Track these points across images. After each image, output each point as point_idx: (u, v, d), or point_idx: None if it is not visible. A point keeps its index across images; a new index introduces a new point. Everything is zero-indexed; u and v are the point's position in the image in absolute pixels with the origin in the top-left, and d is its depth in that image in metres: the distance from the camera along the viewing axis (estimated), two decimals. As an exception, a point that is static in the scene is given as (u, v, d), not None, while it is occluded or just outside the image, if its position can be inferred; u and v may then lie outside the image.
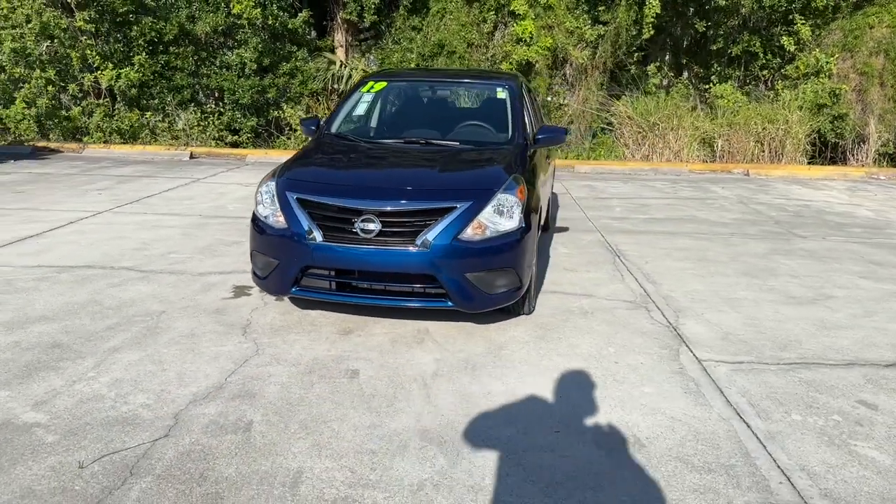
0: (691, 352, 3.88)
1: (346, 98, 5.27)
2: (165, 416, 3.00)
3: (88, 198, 7.87)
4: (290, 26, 14.21)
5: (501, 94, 5.15)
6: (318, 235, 3.77)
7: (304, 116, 12.96)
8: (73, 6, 13.13)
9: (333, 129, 4.96)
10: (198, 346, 3.77)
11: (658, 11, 12.77)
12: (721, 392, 3.38)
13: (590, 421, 3.06)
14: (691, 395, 3.34)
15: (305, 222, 3.80)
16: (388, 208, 3.74)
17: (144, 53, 13.35)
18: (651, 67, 14.17)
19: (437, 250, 3.68)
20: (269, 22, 13.86)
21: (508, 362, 3.66)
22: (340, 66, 15.33)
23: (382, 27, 15.58)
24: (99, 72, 12.87)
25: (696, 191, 9.70)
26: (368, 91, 5.28)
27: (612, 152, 13.12)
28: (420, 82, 5.70)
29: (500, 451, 2.79)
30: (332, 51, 15.58)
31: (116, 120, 13.05)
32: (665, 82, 14.30)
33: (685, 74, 14.72)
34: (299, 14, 14.52)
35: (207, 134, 13.49)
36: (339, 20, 15.64)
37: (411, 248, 3.68)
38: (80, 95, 13.45)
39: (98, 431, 2.87)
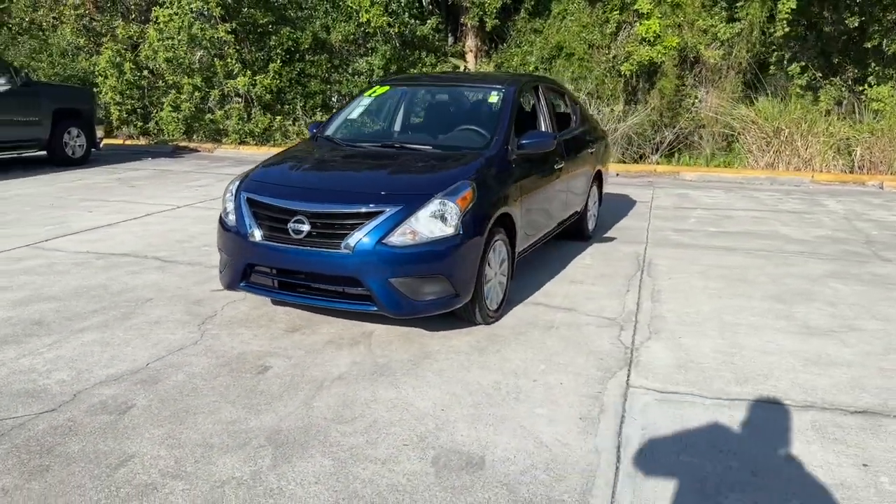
0: (628, 377, 3.57)
1: (349, 102, 5.41)
2: (67, 393, 3.29)
3: (182, 193, 8.66)
4: (418, 33, 14.58)
5: (492, 98, 5.01)
6: (257, 234, 3.93)
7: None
8: (217, 18, 14.40)
9: (328, 131, 5.11)
10: (152, 332, 4.07)
11: (793, 6, 11.66)
12: (620, 422, 3.10)
13: (448, 437, 2.94)
14: (584, 422, 3.09)
15: (249, 221, 3.98)
16: (317, 210, 3.81)
17: (279, 61, 14.32)
18: (794, 68, 12.98)
19: (360, 254, 3.69)
20: (397, 30, 14.35)
21: (423, 371, 3.59)
22: (464, 70, 15.56)
23: (506, 31, 15.60)
24: (237, 79, 14.02)
25: (803, 203, 8.77)
26: (370, 96, 5.37)
27: (737, 159, 12.17)
28: (419, 87, 5.70)
29: (335, 460, 2.77)
30: (464, 56, 15.85)
31: (251, 123, 14.14)
32: (812, 84, 12.99)
33: (837, 75, 13.25)
34: (428, 21, 14.90)
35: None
36: (469, 25, 15.84)
37: (337, 251, 3.73)
38: (222, 100, 14.74)
39: (4, 400, 3.21)
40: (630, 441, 2.95)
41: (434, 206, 3.80)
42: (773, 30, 12.38)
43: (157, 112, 14.63)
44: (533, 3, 14.81)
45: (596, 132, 6.65)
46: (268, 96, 14.45)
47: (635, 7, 12.81)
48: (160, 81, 14.96)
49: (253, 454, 2.79)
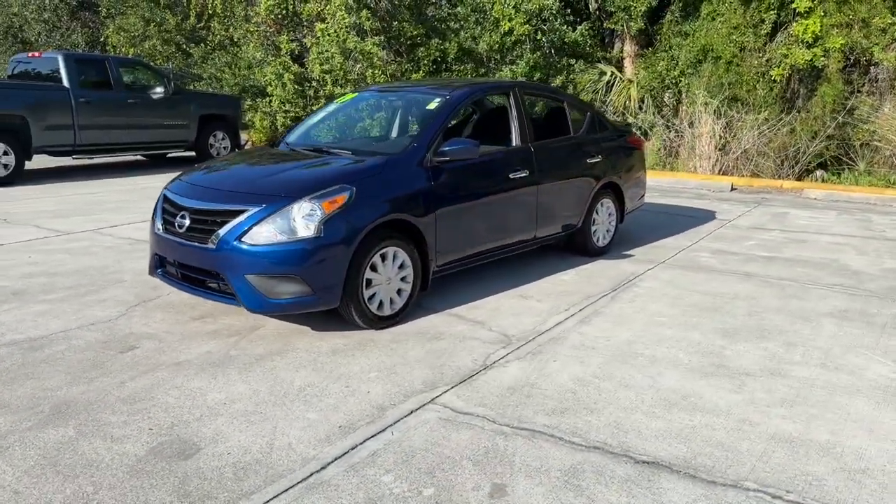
0: (443, 393, 3.43)
1: (318, 109, 5.64)
2: (-37, 351, 3.90)
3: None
4: (567, 39, 14.42)
5: (431, 105, 4.95)
6: (160, 227, 4.33)
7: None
8: (369, 32, 15.36)
9: (289, 136, 5.38)
10: (88, 309, 4.62)
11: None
12: (371, 435, 3.02)
13: (196, 428, 3.07)
14: (340, 430, 3.05)
15: (158, 215, 4.39)
16: (196, 206, 4.11)
17: (423, 72, 14.93)
18: None
19: (221, 249, 3.93)
20: (538, 37, 14.35)
21: (257, 367, 3.72)
22: (611, 75, 15.13)
23: (653, 34, 14.90)
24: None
25: (918, 231, 7.44)
26: (339, 102, 5.55)
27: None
28: (380, 94, 5.74)
29: (77, 432, 3.02)
30: (620, 61, 15.44)
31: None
32: None
33: None
34: (578, 27, 14.71)
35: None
36: (626, 29, 15.37)
37: (205, 245, 4.00)
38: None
39: (-85, 351, 3.90)
40: (359, 453, 2.87)
41: (298, 207, 3.92)
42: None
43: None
44: (681, 4, 13.98)
45: (612, 141, 6.23)
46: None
47: (793, 5, 11.58)
48: (321, 91, 16.26)
49: (27, 416, 3.14)
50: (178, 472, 2.72)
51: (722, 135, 11.83)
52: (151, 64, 15.05)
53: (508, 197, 5.06)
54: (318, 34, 15.30)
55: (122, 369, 3.67)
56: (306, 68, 16.29)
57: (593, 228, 6.01)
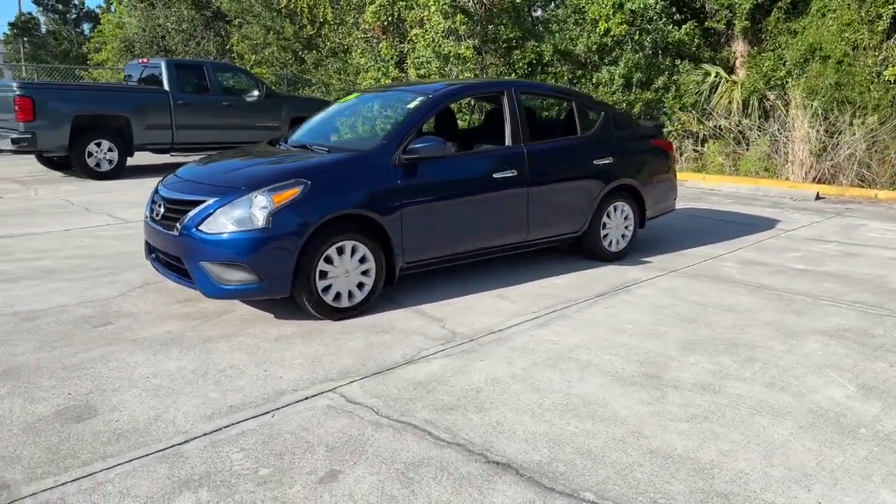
0: (349, 384, 3.51)
1: (322, 110, 5.85)
2: (-29, 318, 4.45)
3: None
4: (670, 39, 13.96)
5: (412, 104, 4.99)
6: (147, 215, 4.71)
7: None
8: (464, 35, 15.55)
9: (291, 135, 5.63)
10: (98, 287, 5.08)
11: None
12: (238, 415, 3.16)
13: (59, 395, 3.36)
14: (204, 405, 3.23)
15: (148, 204, 4.78)
16: (169, 197, 4.44)
17: (517, 74, 14.93)
18: None
19: (182, 237, 4.23)
20: (637, 37, 14.00)
21: (179, 346, 3.97)
22: (716, 76, 14.47)
23: (763, 32, 14.06)
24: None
25: None
26: (341, 102, 5.73)
27: None
28: (376, 94, 5.82)
29: (9, 392, 3.39)
30: (730, 62, 14.74)
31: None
32: None
33: None
34: (683, 26, 14.21)
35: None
36: (738, 28, 14.66)
37: (171, 233, 4.32)
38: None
39: (-65, 316, 4.49)
40: (229, 431, 3.02)
41: (249, 199, 4.14)
42: None
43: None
44: (789, 1, 13.11)
45: (631, 142, 6.00)
46: (499, 107, 15.14)
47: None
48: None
49: (-24, 376, 3.56)
50: (62, 433, 2.99)
51: (820, 140, 10.95)
52: (247, 69, 16.02)
53: (492, 197, 5.03)
54: (413, 39, 15.69)
55: (85, 341, 4.03)
56: (406, 74, 16.73)
57: (604, 233, 5.82)
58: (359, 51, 18.48)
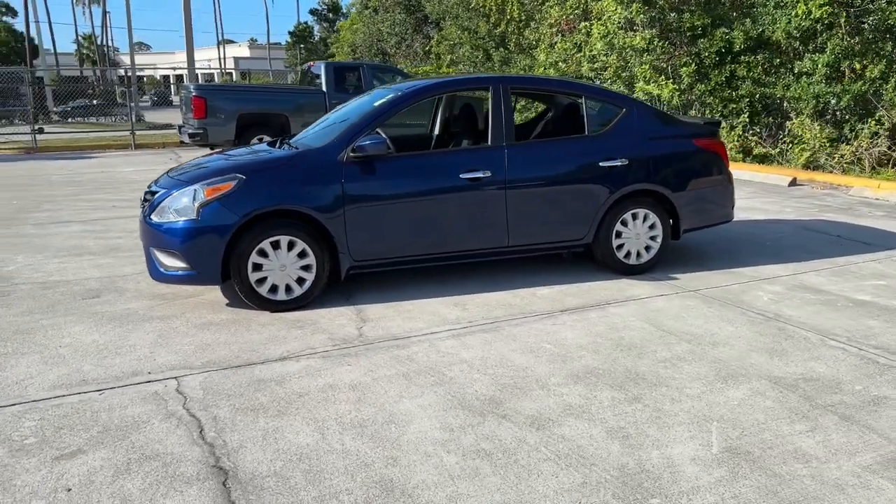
0: (197, 374, 3.66)
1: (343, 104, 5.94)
2: (7, 280, 5.33)
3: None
4: (892, 21, 12.06)
5: (379, 100, 4.89)
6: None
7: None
8: (641, 25, 14.69)
9: (297, 133, 5.81)
10: (126, 266, 5.80)
11: None
12: (79, 388, 3.45)
13: None
14: (65, 376, 3.55)
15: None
16: (148, 189, 4.89)
17: (694, 65, 13.79)
18: None
19: (142, 223, 4.68)
20: (843, 20, 12.28)
21: (129, 324, 4.39)
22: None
23: None
24: (649, 84, 14.16)
25: None
26: (359, 99, 5.78)
27: None
28: (388, 90, 5.69)
29: (-43, 347, 4.06)
30: None
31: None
32: None
33: None
34: None
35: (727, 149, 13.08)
36: None
37: (143, 220, 4.77)
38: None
39: (-10, 280, 5.46)
40: (50, 402, 3.34)
41: (188, 192, 4.45)
42: None
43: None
44: None
45: (660, 141, 5.31)
46: (675, 101, 14.17)
47: None
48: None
49: (-51, 332, 4.30)
50: (-61, 385, 3.51)
51: None
52: (402, 70, 16.55)
53: (458, 199, 4.81)
54: (583, 31, 15.16)
55: (60, 310, 4.64)
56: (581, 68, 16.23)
57: (618, 243, 5.25)
58: (543, 46, 18.29)
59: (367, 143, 4.56)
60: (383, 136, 4.62)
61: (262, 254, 4.46)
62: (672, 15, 14.34)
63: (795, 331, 4.17)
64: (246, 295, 4.48)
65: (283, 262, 4.50)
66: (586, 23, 15.15)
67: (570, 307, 4.63)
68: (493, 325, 4.32)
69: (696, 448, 2.85)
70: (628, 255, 5.30)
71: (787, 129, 12.54)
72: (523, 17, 19.01)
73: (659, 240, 5.35)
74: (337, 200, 4.54)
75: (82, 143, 16.79)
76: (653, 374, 3.56)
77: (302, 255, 4.54)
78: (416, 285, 5.07)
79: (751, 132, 13.06)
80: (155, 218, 4.51)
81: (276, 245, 4.48)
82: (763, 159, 12.75)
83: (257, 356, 3.85)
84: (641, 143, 5.23)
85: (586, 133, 5.21)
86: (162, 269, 4.52)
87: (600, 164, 5.10)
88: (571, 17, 17.72)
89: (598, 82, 15.31)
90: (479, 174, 4.82)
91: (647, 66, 14.38)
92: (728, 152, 13.06)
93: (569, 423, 3.06)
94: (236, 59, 67.07)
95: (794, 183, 10.13)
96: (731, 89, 13.51)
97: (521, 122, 6.52)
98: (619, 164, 5.12)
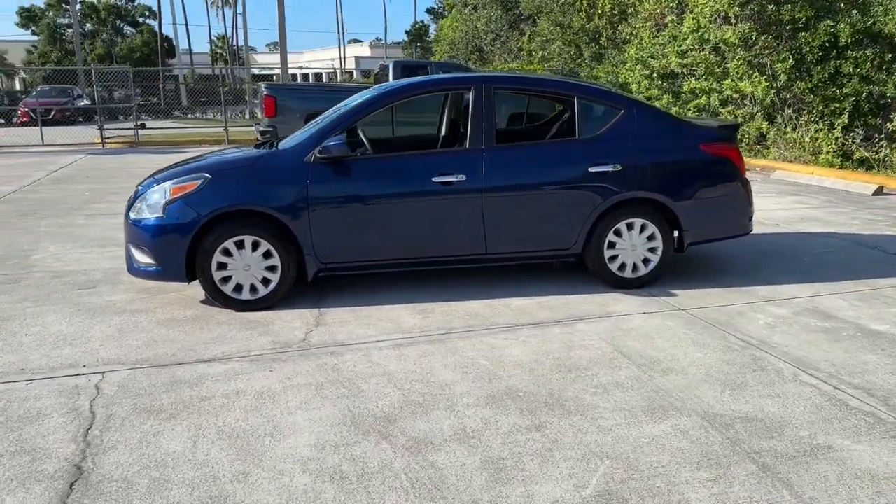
0: (125, 370, 3.74)
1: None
2: (23, 266, 5.69)
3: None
4: None
5: (357, 99, 4.79)
6: (144, 201, 5.44)
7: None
8: (735, 18, 13.77)
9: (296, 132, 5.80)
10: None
11: None
12: (15, 377, 3.60)
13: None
14: (11, 364, 3.72)
15: (148, 191, 5.50)
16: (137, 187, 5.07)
17: (791, 62, 12.81)
18: None
19: (124, 220, 4.85)
20: None
21: (101, 317, 4.56)
22: None
23: None
24: (741, 82, 13.33)
25: None
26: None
27: None
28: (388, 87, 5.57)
29: (-59, 330, 4.37)
30: None
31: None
32: None
33: None
34: None
35: (824, 152, 12.11)
36: None
37: (131, 216, 4.95)
38: (724, 104, 14.08)
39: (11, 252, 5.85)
40: (-20, 390, 3.51)
41: (158, 190, 4.57)
42: None
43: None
44: None
45: (660, 143, 4.90)
46: (768, 99, 13.27)
47: None
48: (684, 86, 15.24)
49: (-57, 315, 4.63)
50: None
51: None
52: (469, 66, 16.23)
53: (429, 203, 4.66)
54: (671, 25, 14.42)
55: (50, 299, 4.89)
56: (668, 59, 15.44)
57: (611, 254, 4.91)
58: (636, 41, 17.56)
59: (332, 144, 4.50)
60: (344, 138, 4.54)
61: (227, 253, 4.50)
62: (771, 7, 13.32)
63: (771, 361, 3.72)
64: (210, 293, 4.54)
65: (247, 262, 4.52)
66: (672, 16, 14.36)
67: (537, 321, 4.37)
68: (444, 336, 4.14)
69: (567, 488, 2.58)
70: (623, 267, 4.94)
71: (888, 131, 11.36)
72: (616, 12, 18.31)
73: (659, 252, 4.95)
74: (301, 202, 4.50)
75: (180, 138, 17.80)
76: (575, 401, 3.28)
77: (267, 255, 4.54)
78: (391, 290, 4.97)
79: (851, 135, 11.93)
80: (132, 214, 4.65)
81: (240, 245, 4.51)
82: (861, 164, 11.61)
83: (191, 356, 3.87)
84: (639, 147, 4.86)
85: (577, 136, 4.89)
86: (135, 265, 4.65)
87: (589, 169, 4.78)
88: (666, 10, 16.88)
89: (691, 79, 14.51)
90: (453, 178, 4.64)
91: (739, 62, 13.47)
92: (826, 156, 12.05)
93: (448, 449, 2.86)
94: (357, 59, 69.04)
95: (879, 192, 9.13)
96: (836, 87, 12.38)
97: (512, 125, 6.24)
98: (611, 169, 4.78)
